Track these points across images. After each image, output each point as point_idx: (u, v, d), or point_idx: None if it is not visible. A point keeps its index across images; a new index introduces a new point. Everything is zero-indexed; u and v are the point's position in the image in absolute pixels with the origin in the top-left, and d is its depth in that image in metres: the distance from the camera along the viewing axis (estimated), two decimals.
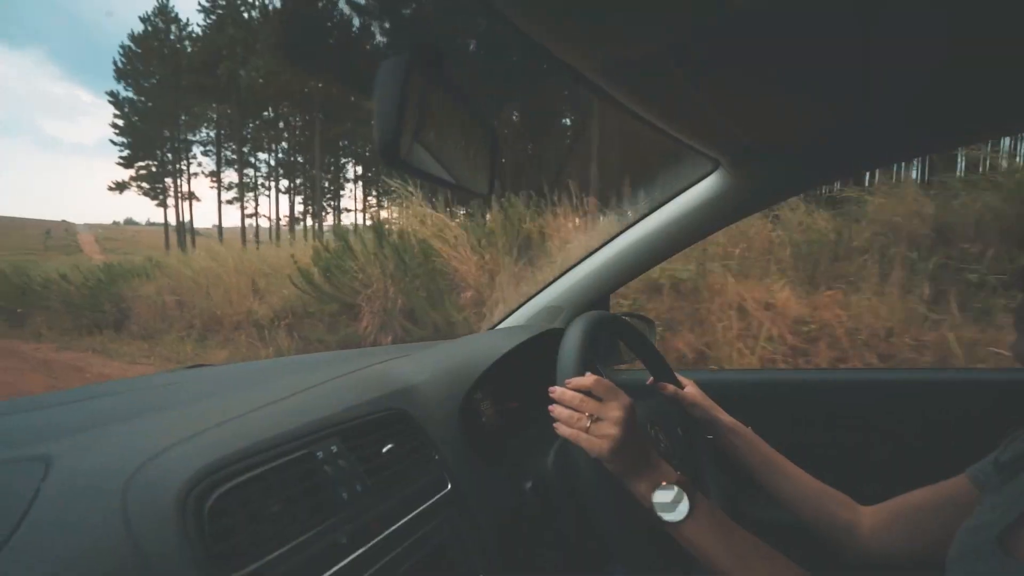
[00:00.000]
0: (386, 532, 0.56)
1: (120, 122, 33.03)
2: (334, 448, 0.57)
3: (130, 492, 0.42)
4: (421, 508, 0.62)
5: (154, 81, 31.37)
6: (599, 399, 0.63)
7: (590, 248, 1.25)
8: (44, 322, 9.74)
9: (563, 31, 0.48)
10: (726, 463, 0.88)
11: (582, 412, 0.62)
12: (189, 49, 30.91)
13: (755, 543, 0.60)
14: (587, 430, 0.61)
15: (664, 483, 0.60)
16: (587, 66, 0.54)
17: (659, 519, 0.59)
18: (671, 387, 0.91)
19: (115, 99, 33.11)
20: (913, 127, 0.85)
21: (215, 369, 0.81)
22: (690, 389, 0.91)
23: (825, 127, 0.84)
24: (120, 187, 34.64)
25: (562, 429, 0.64)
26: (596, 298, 1.24)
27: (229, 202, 36.08)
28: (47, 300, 10.27)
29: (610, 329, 0.87)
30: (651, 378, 0.93)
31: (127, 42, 31.59)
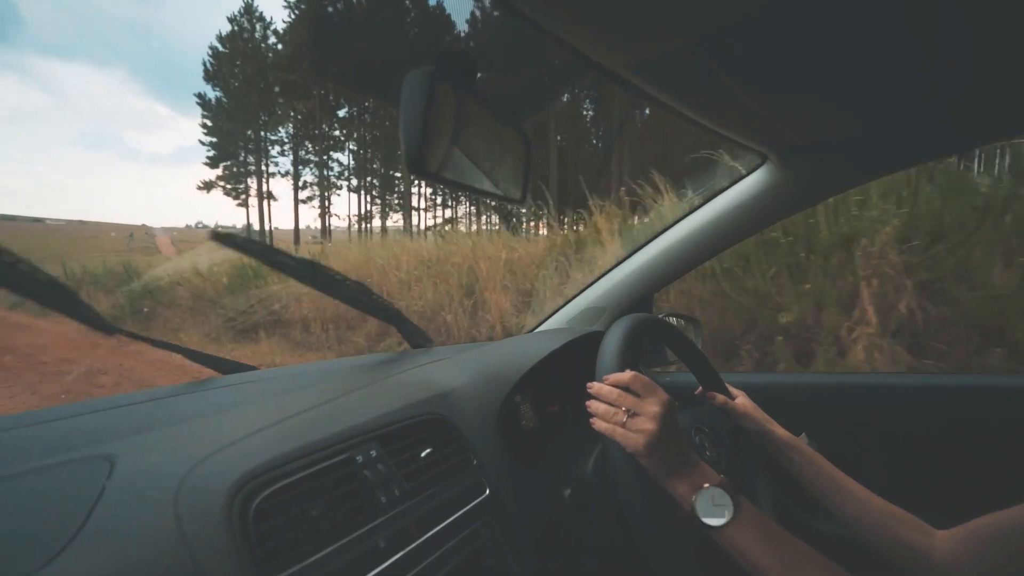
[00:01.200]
0: (424, 536, 0.57)
1: (208, 122, 33.69)
2: (373, 452, 0.58)
3: (181, 494, 0.45)
4: (459, 513, 0.62)
5: (238, 83, 32.00)
6: (637, 395, 0.62)
7: (631, 248, 1.22)
8: (176, 322, 8.60)
9: (599, 33, 0.47)
10: (777, 474, 0.84)
11: (619, 407, 0.62)
12: (275, 44, 31.50)
13: (804, 550, 0.57)
14: (623, 425, 0.60)
15: (706, 485, 0.58)
16: (625, 66, 0.53)
17: (700, 522, 0.57)
18: (721, 397, 0.87)
19: (203, 100, 33.34)
20: (968, 118, 0.78)
21: (262, 373, 0.85)
22: (741, 400, 0.87)
23: (877, 119, 0.79)
24: (208, 186, 35.14)
25: (598, 424, 0.63)
26: (638, 298, 1.21)
27: (303, 201, 36.16)
28: (174, 298, 9.27)
29: (652, 332, 0.85)
30: (699, 388, 0.90)
31: (215, 43, 32.23)
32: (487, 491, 0.67)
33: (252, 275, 8.43)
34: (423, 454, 0.64)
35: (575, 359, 0.97)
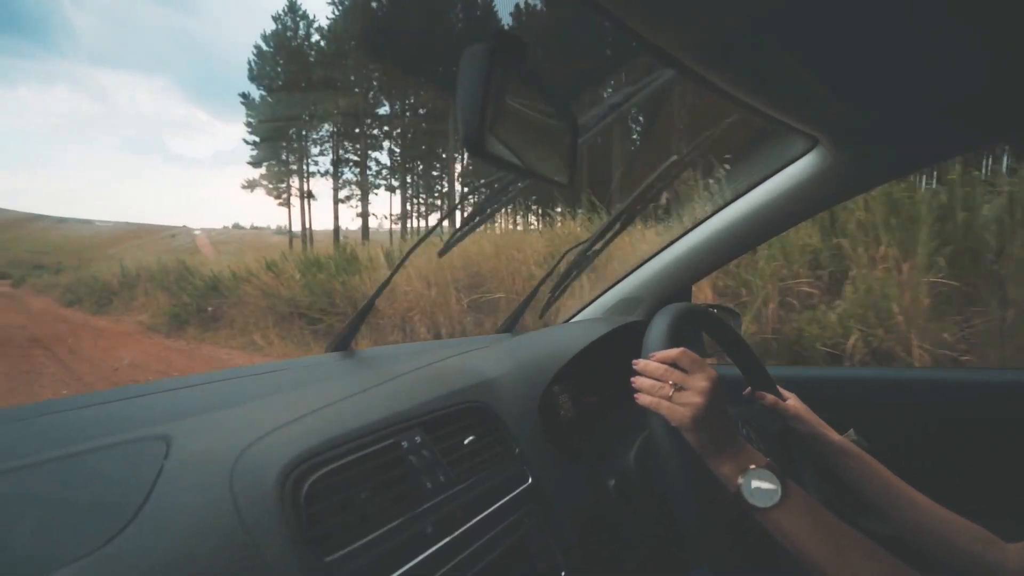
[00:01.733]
0: (470, 523, 0.57)
1: (252, 121, 33.76)
2: (418, 439, 0.59)
3: (236, 474, 0.46)
4: (503, 501, 0.62)
5: (281, 81, 31.89)
6: (684, 370, 0.61)
7: (669, 238, 1.20)
8: (247, 322, 7.56)
9: (649, 10, 0.46)
10: (828, 477, 0.80)
11: (665, 381, 0.60)
12: (319, 42, 31.27)
13: (853, 534, 0.54)
14: (669, 399, 0.59)
15: (752, 466, 0.57)
16: (681, 47, 0.51)
17: (746, 504, 0.56)
18: (771, 397, 0.83)
19: (247, 100, 33.11)
20: None
21: (307, 359, 0.86)
22: (793, 402, 0.83)
23: (945, 98, 0.74)
24: (251, 186, 35.17)
25: (643, 398, 0.62)
26: (677, 289, 1.18)
27: (342, 201, 35.43)
28: (239, 295, 8.23)
29: (700, 323, 0.82)
30: (748, 388, 0.87)
31: (259, 42, 32.17)
32: (529, 480, 0.67)
33: (335, 270, 7.29)
34: (466, 441, 0.64)
35: (613, 350, 0.95)
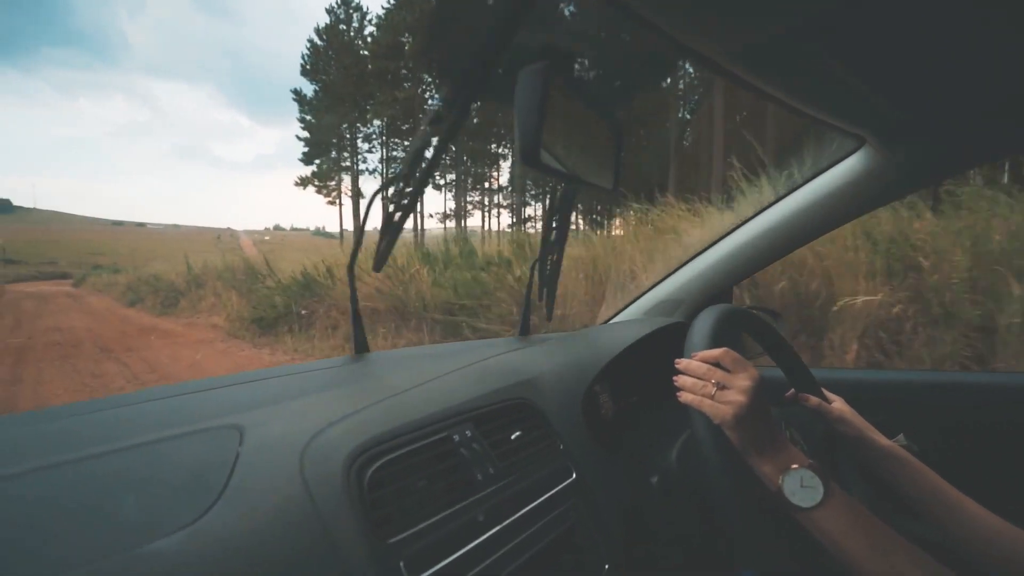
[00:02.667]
0: (518, 514, 0.59)
1: (305, 117, 32.58)
2: (468, 432, 0.61)
3: (305, 459, 0.49)
4: (549, 494, 0.64)
5: (334, 76, 30.45)
6: (727, 370, 0.62)
7: (709, 240, 1.19)
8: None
9: (693, 20, 0.47)
10: (875, 482, 0.78)
11: (708, 379, 0.61)
12: (373, 33, 29.86)
13: (896, 538, 0.54)
14: (712, 397, 0.60)
15: (794, 466, 0.57)
16: (725, 53, 0.52)
17: (787, 503, 0.56)
18: (814, 399, 0.82)
19: (298, 96, 31.58)
20: None
21: (360, 357, 0.90)
22: (838, 405, 0.81)
23: (995, 96, 0.71)
24: (304, 183, 34.28)
25: (685, 396, 0.63)
26: (718, 291, 1.18)
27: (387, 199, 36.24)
28: (333, 296, 7.00)
29: (743, 324, 0.82)
30: (791, 390, 0.85)
31: (312, 36, 30.63)
32: (573, 475, 0.69)
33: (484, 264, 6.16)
34: (513, 436, 0.66)
35: (654, 350, 0.96)
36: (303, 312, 7.04)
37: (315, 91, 31.85)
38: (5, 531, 0.37)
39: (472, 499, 0.56)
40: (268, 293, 8.16)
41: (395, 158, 33.53)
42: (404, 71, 29.11)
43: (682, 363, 0.65)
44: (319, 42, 30.77)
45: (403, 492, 0.52)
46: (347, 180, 34.33)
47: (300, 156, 33.60)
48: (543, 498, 0.63)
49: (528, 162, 0.39)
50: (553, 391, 0.77)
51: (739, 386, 0.59)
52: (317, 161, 33.71)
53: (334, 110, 31.27)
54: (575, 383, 0.81)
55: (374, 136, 33.56)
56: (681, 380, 0.64)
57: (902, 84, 0.68)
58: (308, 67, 31.41)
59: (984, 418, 1.04)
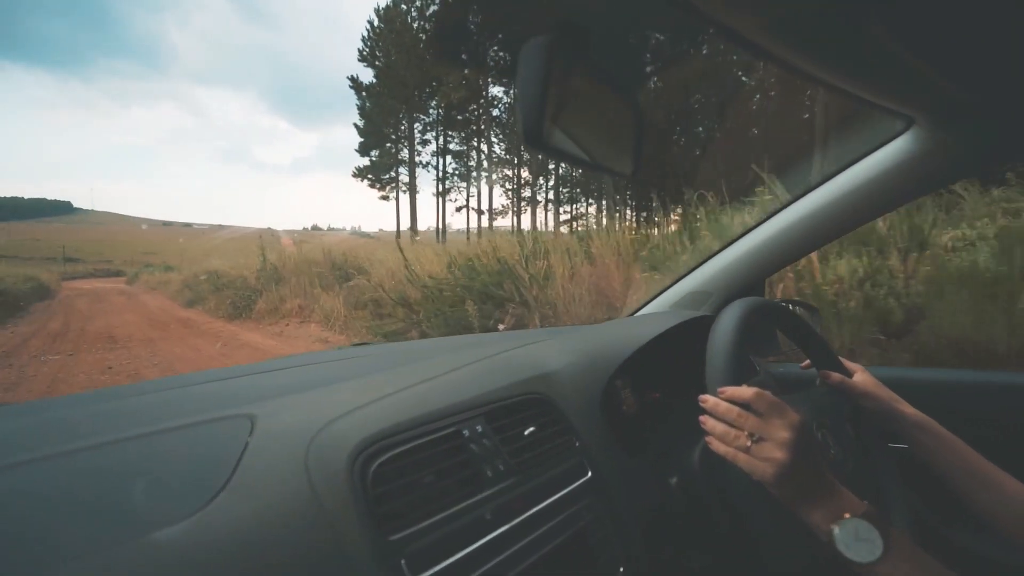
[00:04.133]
0: (528, 512, 0.57)
1: (364, 104, 30.74)
2: (479, 427, 0.60)
3: (311, 452, 0.49)
4: (562, 493, 0.62)
5: (392, 59, 28.51)
6: (760, 415, 0.56)
7: (740, 230, 1.14)
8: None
9: None
10: (910, 475, 0.74)
11: (740, 429, 0.56)
12: (435, 11, 27.59)
13: None
14: (747, 450, 0.55)
15: (847, 515, 0.51)
16: (757, 27, 0.48)
17: (842, 557, 0.51)
18: (836, 375, 0.77)
19: (355, 83, 30.11)
20: None
21: (377, 347, 0.90)
22: (860, 376, 0.77)
23: None
24: (362, 174, 32.00)
25: (717, 446, 0.58)
26: (749, 283, 1.12)
27: (441, 194, 31.76)
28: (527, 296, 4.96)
29: (768, 317, 0.78)
30: (807, 362, 0.81)
31: (372, 17, 29.01)
32: (589, 473, 0.67)
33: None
34: (526, 432, 0.64)
35: (679, 345, 0.92)
36: (501, 326, 4.69)
37: (374, 76, 30.00)
38: (11, 520, 0.38)
39: (480, 496, 0.54)
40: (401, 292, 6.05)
41: (450, 150, 31.79)
42: (465, 55, 26.70)
43: (708, 403, 0.60)
44: (378, 24, 29.06)
45: (409, 488, 0.51)
46: (410, 174, 32.28)
47: (356, 148, 32.14)
48: (555, 497, 0.61)
49: (531, 143, 0.37)
50: (571, 386, 0.75)
51: (778, 439, 0.54)
52: (373, 153, 32.11)
53: (394, 94, 29.11)
54: (594, 378, 0.78)
55: (428, 129, 31.84)
56: (709, 425, 0.59)
57: (960, 58, 0.61)
58: (366, 52, 29.53)
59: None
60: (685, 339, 0.92)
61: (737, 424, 0.56)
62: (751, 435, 0.55)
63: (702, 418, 0.60)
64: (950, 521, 0.85)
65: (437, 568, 0.47)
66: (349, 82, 30.11)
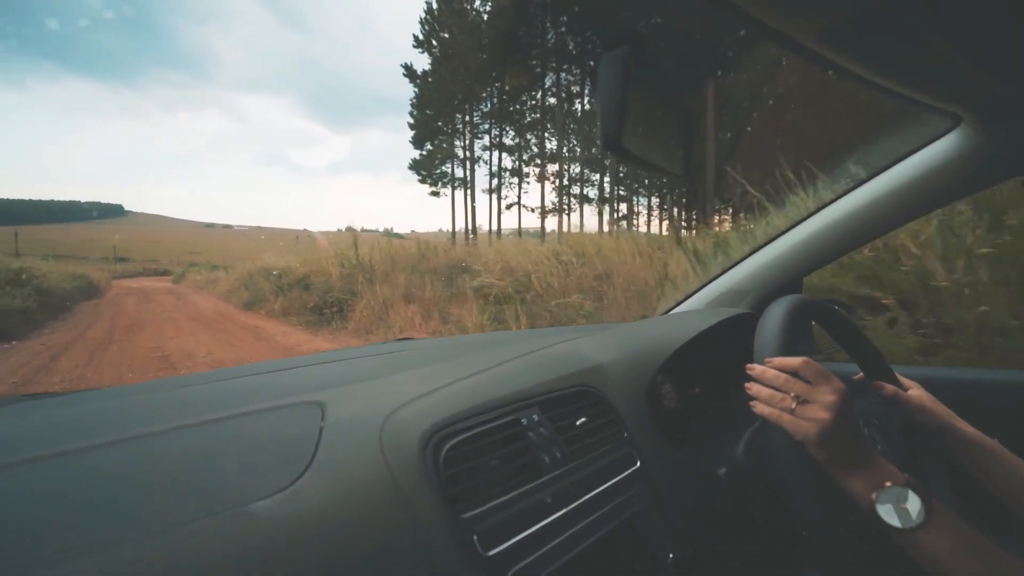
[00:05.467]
0: (584, 498, 0.60)
1: (417, 93, 28.51)
2: (535, 417, 0.63)
3: (384, 435, 0.52)
4: (613, 480, 0.65)
5: (448, 45, 26.39)
6: (807, 382, 0.58)
7: (778, 229, 1.14)
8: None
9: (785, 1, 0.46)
10: (961, 483, 0.73)
11: (787, 392, 0.58)
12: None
13: (1005, 558, 0.49)
14: (792, 412, 0.56)
15: (888, 484, 0.53)
16: (801, 31, 0.50)
17: (882, 523, 0.52)
18: (891, 387, 0.76)
19: (409, 71, 27.89)
20: None
21: (424, 341, 0.94)
22: (916, 392, 0.76)
23: None
24: (416, 167, 30.48)
25: (761, 408, 0.59)
26: (787, 281, 1.12)
27: (492, 190, 29.67)
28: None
29: (815, 315, 0.78)
30: (860, 373, 0.81)
31: None
32: (638, 463, 0.69)
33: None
34: (578, 422, 0.68)
35: (717, 342, 0.94)
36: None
37: (430, 63, 27.62)
38: (117, 490, 0.42)
39: (540, 481, 0.58)
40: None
41: (503, 145, 29.29)
42: (523, 33, 24.44)
43: (756, 370, 0.62)
44: (435, 6, 26.72)
45: (475, 471, 0.54)
46: (467, 169, 29.85)
47: (410, 139, 30.11)
48: (607, 484, 0.64)
49: (610, 148, 0.40)
50: (617, 380, 0.78)
51: (823, 401, 0.55)
52: (428, 146, 30.04)
53: (456, 78, 26.28)
54: (639, 372, 0.81)
55: (483, 120, 29.56)
56: (755, 389, 0.61)
57: (1008, 54, 0.62)
58: (423, 36, 27.08)
59: None
60: (723, 336, 0.94)
61: (784, 388, 0.58)
62: (797, 397, 0.57)
63: (748, 384, 0.62)
64: (995, 527, 0.84)
65: (506, 545, 0.50)
66: (403, 70, 27.92)
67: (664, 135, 0.50)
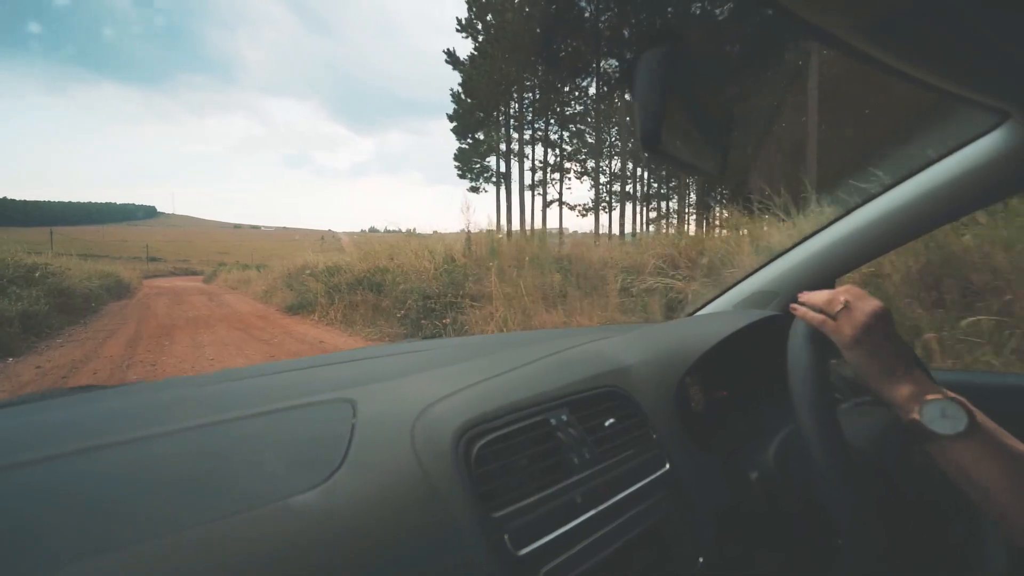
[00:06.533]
0: (614, 499, 0.60)
1: (461, 80, 26.46)
2: (564, 417, 0.63)
3: (415, 433, 0.53)
4: (642, 483, 0.64)
5: (504, 20, 23.73)
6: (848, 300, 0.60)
7: (807, 231, 1.11)
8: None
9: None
10: None
11: (832, 303, 0.60)
12: None
13: None
14: (835, 318, 0.59)
15: (931, 396, 0.53)
16: (844, 26, 0.49)
17: (924, 432, 0.52)
18: None
19: (451, 56, 25.74)
20: None
21: (451, 340, 0.95)
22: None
23: None
24: (461, 158, 28.85)
25: (802, 312, 0.62)
26: (820, 282, 1.09)
27: (531, 187, 27.82)
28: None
29: None
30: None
31: None
32: (667, 466, 0.69)
33: None
34: (607, 423, 0.67)
35: (746, 344, 0.92)
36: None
37: (474, 49, 25.18)
38: (166, 481, 0.43)
39: (569, 481, 0.57)
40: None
41: (549, 139, 26.92)
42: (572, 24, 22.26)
43: (804, 295, 0.65)
44: None
45: (506, 470, 0.54)
46: (506, 163, 27.78)
47: (452, 128, 27.94)
48: (637, 486, 0.64)
49: (648, 150, 0.40)
50: (645, 381, 0.77)
51: (864, 308, 0.57)
52: (479, 135, 28.00)
53: (506, 60, 23.65)
54: (667, 374, 0.80)
55: (527, 112, 27.10)
56: (801, 312, 0.63)
57: None
58: (470, 15, 24.86)
59: None
60: (751, 338, 0.92)
61: (828, 302, 0.61)
62: (844, 303, 0.59)
63: (793, 306, 0.65)
64: None
65: (537, 544, 0.50)
66: (445, 56, 25.43)
67: (703, 135, 0.49)
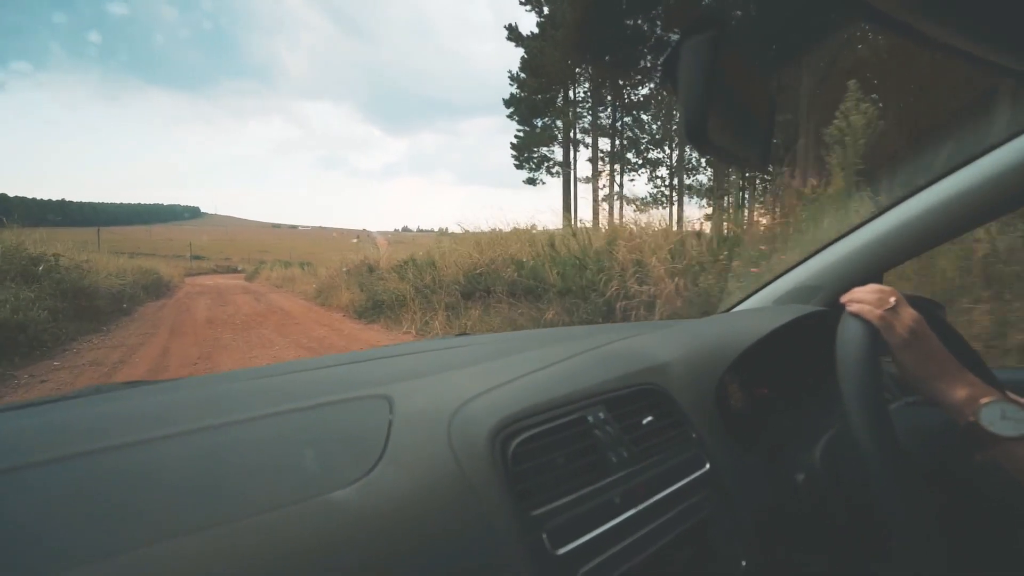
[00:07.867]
0: (653, 499, 0.59)
1: (522, 56, 22.84)
2: (601, 415, 0.62)
3: (452, 430, 0.53)
4: (682, 483, 0.63)
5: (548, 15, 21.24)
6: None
7: (854, 222, 1.07)
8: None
9: None
10: None
11: (886, 296, 0.59)
12: None
13: None
14: (887, 310, 0.58)
15: (987, 399, 0.51)
16: (910, 9, 0.47)
17: (983, 434, 0.50)
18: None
19: (512, 32, 22.72)
20: None
21: (484, 337, 0.94)
22: None
23: None
24: (520, 147, 24.99)
25: (854, 305, 0.61)
26: (867, 276, 1.04)
27: (586, 180, 24.20)
28: None
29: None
30: None
31: None
32: (707, 465, 0.67)
33: None
34: (644, 422, 0.66)
35: (788, 341, 0.89)
36: None
37: (537, 23, 21.95)
38: (204, 478, 0.44)
39: (607, 480, 0.57)
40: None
41: (615, 128, 23.99)
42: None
43: (854, 291, 0.64)
44: None
45: (543, 468, 0.54)
46: (571, 150, 23.86)
47: (508, 114, 24.85)
48: (677, 486, 0.62)
49: (693, 140, 0.38)
50: (684, 379, 0.76)
51: (913, 313, 0.57)
52: (545, 120, 24.48)
53: (581, 31, 19.74)
54: (706, 372, 0.78)
55: (582, 100, 23.95)
56: (857, 305, 0.62)
57: None
58: None
59: None
60: (793, 334, 0.89)
61: (879, 298, 0.60)
62: (895, 301, 0.59)
63: (844, 297, 0.64)
64: None
65: (575, 544, 0.50)
66: (507, 32, 22.51)
67: (750, 125, 0.47)
